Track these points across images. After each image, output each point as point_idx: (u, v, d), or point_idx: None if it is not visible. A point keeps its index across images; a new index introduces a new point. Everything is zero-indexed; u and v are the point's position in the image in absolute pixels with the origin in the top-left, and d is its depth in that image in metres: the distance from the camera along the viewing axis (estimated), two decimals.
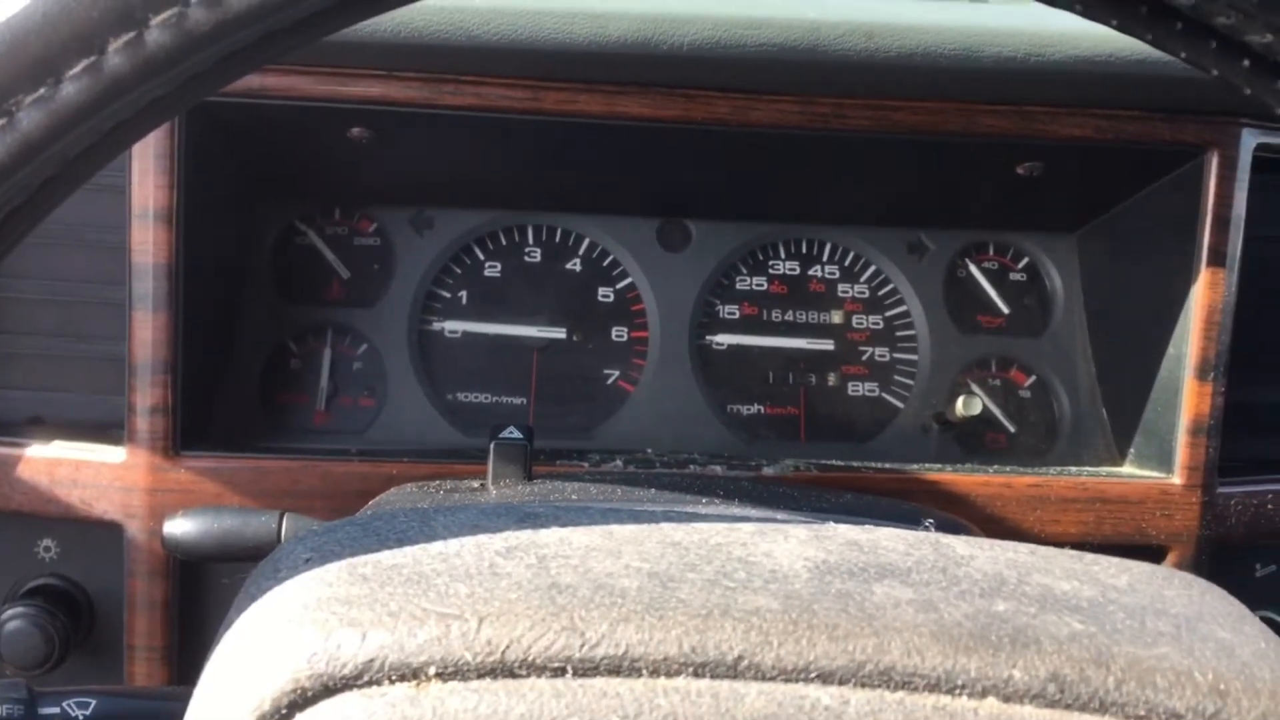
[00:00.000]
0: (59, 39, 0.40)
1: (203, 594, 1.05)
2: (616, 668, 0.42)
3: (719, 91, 1.02)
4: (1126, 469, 1.18)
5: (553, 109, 1.02)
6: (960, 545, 0.53)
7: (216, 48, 0.43)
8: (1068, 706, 0.42)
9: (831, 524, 0.54)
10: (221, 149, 1.07)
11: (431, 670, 0.42)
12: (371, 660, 0.42)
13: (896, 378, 1.25)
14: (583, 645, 0.42)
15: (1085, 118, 1.05)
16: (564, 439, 1.19)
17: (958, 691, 0.42)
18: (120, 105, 0.43)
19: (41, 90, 0.41)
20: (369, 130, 1.06)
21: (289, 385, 1.19)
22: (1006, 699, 0.42)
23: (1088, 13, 0.43)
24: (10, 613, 1.01)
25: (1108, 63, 0.97)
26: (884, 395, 1.25)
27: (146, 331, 1.00)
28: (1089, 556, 0.54)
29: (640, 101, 1.02)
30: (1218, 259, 1.08)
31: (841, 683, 0.42)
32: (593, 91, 1.01)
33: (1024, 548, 0.54)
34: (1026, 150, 1.09)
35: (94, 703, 0.68)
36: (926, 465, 1.14)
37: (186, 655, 1.04)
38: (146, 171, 0.99)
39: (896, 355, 1.26)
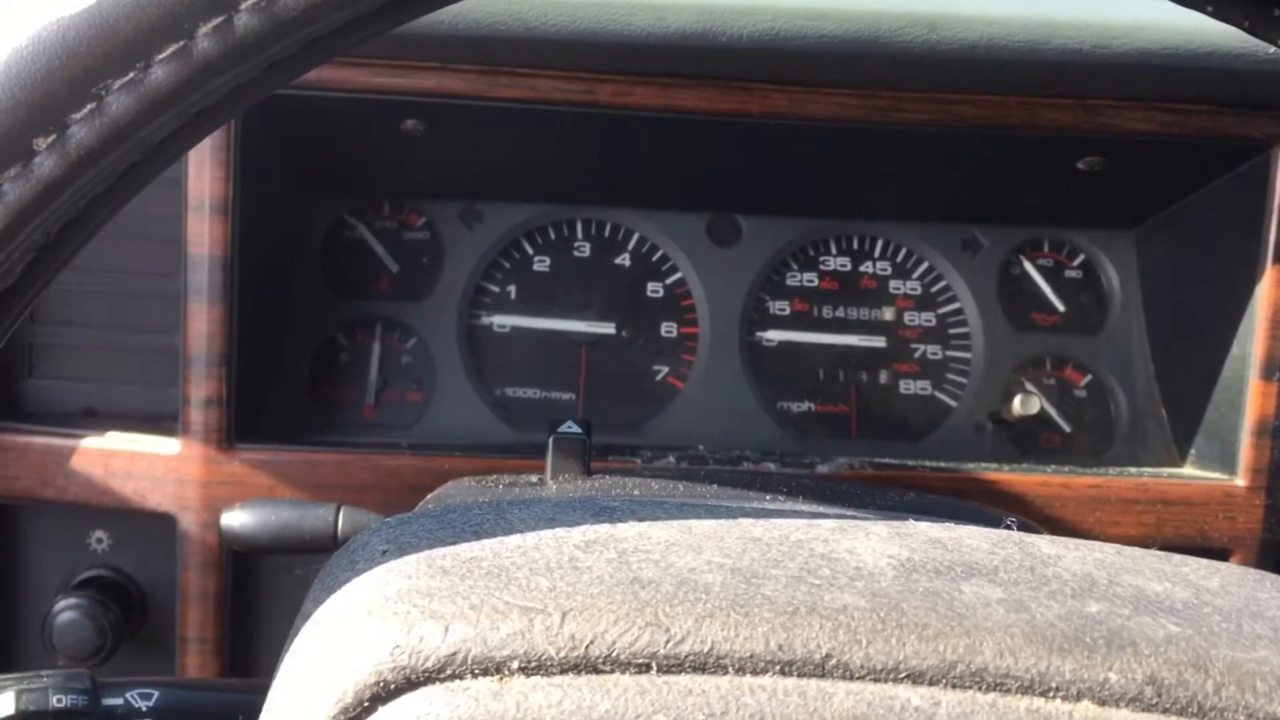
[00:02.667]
0: (149, 22, 0.39)
1: (255, 586, 1.05)
2: (702, 665, 0.41)
3: (776, 84, 1.01)
4: (1188, 470, 1.16)
5: (607, 101, 1.01)
6: (1045, 544, 0.52)
7: (302, 34, 0.42)
8: (1165, 710, 0.41)
9: (911, 521, 0.53)
10: (276, 141, 1.07)
11: (515, 664, 0.41)
12: (454, 653, 0.41)
13: (949, 376, 1.24)
14: (668, 641, 0.41)
15: (1150, 111, 1.04)
16: (614, 435, 1.18)
17: (1052, 694, 0.41)
18: (207, 90, 0.42)
19: (131, 74, 0.40)
20: (423, 123, 1.05)
21: (338, 379, 1.19)
22: (1102, 702, 0.41)
23: (1218, 13, 0.42)
24: (63, 604, 1.01)
25: (1175, 55, 0.95)
26: (936, 393, 1.23)
27: (201, 323, 1.00)
28: (1176, 557, 0.53)
29: (697, 94, 1.01)
30: None
31: (932, 683, 0.41)
32: (648, 84, 1.01)
33: (1109, 547, 0.53)
34: (1088, 144, 1.07)
35: (157, 694, 0.68)
36: (982, 465, 1.12)
37: (238, 647, 1.04)
38: (203, 163, 0.99)
39: (949, 353, 1.24)
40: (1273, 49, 0.43)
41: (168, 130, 0.44)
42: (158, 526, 1.03)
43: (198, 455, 1.01)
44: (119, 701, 0.67)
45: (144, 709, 0.67)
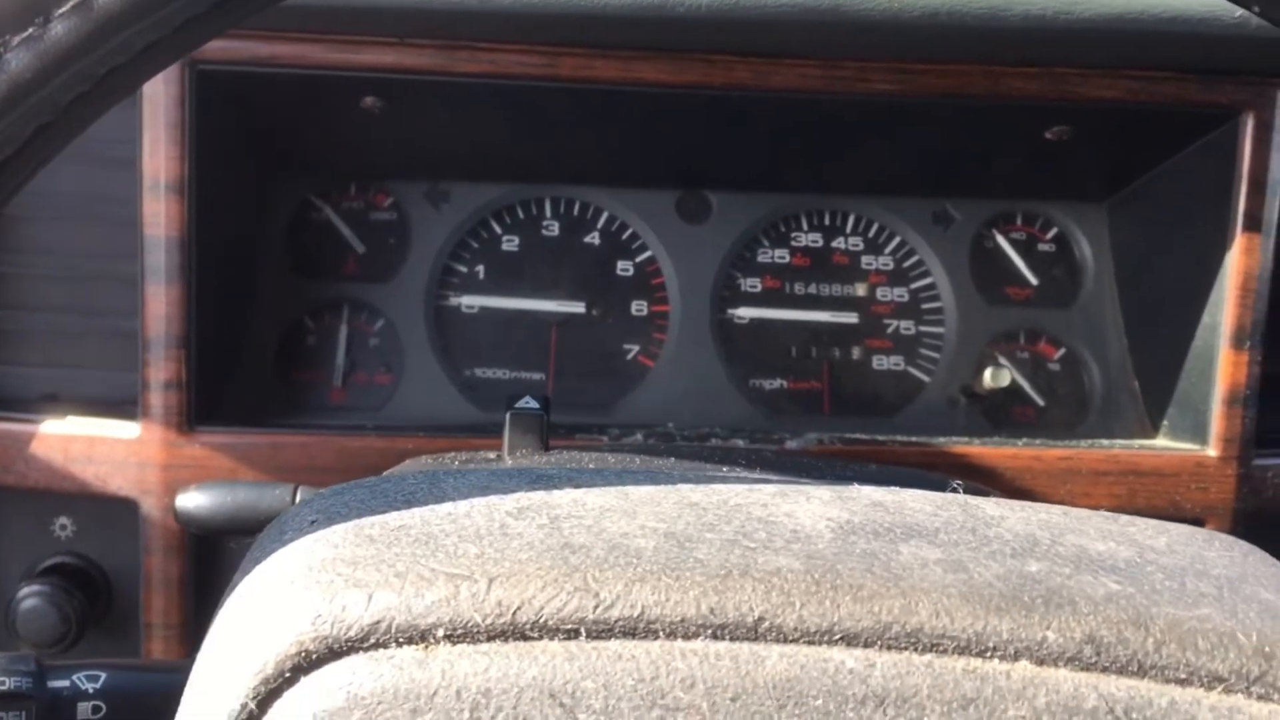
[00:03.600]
0: None
1: (219, 571, 1.04)
2: (632, 630, 0.40)
3: (738, 55, 1.00)
4: (1160, 441, 1.15)
5: (569, 75, 1.00)
6: (990, 506, 0.51)
7: None
8: (1105, 670, 0.40)
9: (855, 486, 0.52)
10: (233, 120, 1.05)
11: (440, 632, 0.40)
12: (378, 622, 0.40)
13: (922, 351, 1.23)
14: (597, 606, 0.41)
15: (1116, 79, 1.03)
16: (583, 415, 1.17)
17: (989, 654, 0.40)
18: (113, 47, 0.41)
19: (30, 30, 0.39)
20: (382, 100, 1.04)
21: (305, 361, 1.18)
22: (1040, 662, 0.40)
23: (1266, 13, 0.41)
24: (26, 591, 1.00)
25: (1139, 21, 0.94)
26: (909, 369, 1.22)
27: (159, 305, 0.99)
28: (1124, 518, 0.52)
29: (658, 66, 1.00)
30: (1253, 225, 1.05)
31: (867, 645, 0.40)
32: (609, 57, 0.99)
33: (1056, 509, 0.52)
34: (1055, 113, 1.06)
35: (104, 675, 0.67)
36: (954, 439, 1.11)
37: (203, 632, 1.02)
38: (157, 141, 0.98)
39: (922, 328, 1.23)
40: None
41: (76, 91, 0.42)
42: (121, 512, 1.02)
43: (158, 439, 0.99)
44: (65, 684, 0.66)
45: (90, 690, 0.66)
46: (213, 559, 1.04)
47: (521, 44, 0.99)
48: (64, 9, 0.39)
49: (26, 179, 0.45)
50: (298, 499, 0.83)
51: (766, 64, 1.00)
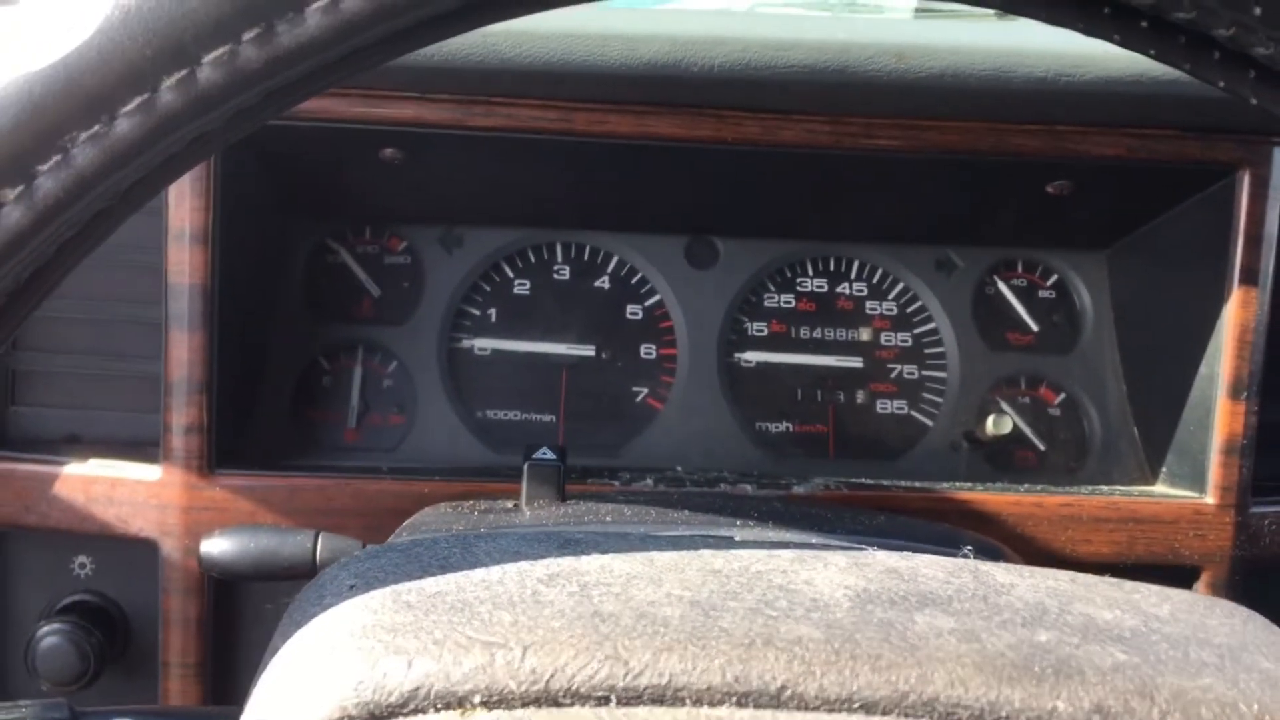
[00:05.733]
0: (114, 76, 0.40)
1: (237, 612, 1.05)
2: (660, 697, 0.42)
3: (749, 112, 1.02)
4: (1159, 488, 1.17)
5: (583, 130, 1.02)
6: (1000, 573, 0.53)
7: (265, 85, 0.43)
8: None
9: (870, 550, 0.54)
10: (255, 171, 1.08)
11: (476, 699, 0.42)
12: (417, 689, 0.42)
13: (925, 395, 1.25)
14: (626, 674, 0.42)
15: (1116, 137, 1.05)
16: (593, 457, 1.19)
17: None
18: (172, 140, 0.44)
19: (96, 127, 0.42)
20: (400, 151, 1.06)
21: (320, 403, 1.20)
22: None
23: (1090, 31, 0.44)
24: (46, 629, 1.02)
25: (1138, 83, 0.97)
26: (913, 413, 1.25)
27: (182, 351, 1.01)
28: (1129, 585, 0.54)
29: (671, 122, 1.02)
30: (1250, 278, 1.08)
31: (885, 713, 0.42)
32: (623, 112, 1.02)
33: (1064, 575, 0.54)
34: (1057, 169, 1.09)
35: None
36: (956, 484, 1.13)
37: (220, 673, 1.04)
38: (183, 194, 1.00)
39: (925, 373, 1.25)
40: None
41: (135, 177, 0.45)
42: (141, 551, 1.04)
43: (179, 481, 1.01)
44: None
45: None
46: (230, 600, 1.06)
47: (538, 99, 1.01)
48: (129, 107, 0.41)
49: (80, 259, 0.48)
50: (319, 545, 0.85)
51: (776, 120, 1.02)
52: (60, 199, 0.41)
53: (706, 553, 0.52)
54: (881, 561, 0.52)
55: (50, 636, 1.01)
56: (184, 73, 0.41)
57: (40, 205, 0.41)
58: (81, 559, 1.08)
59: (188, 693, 1.02)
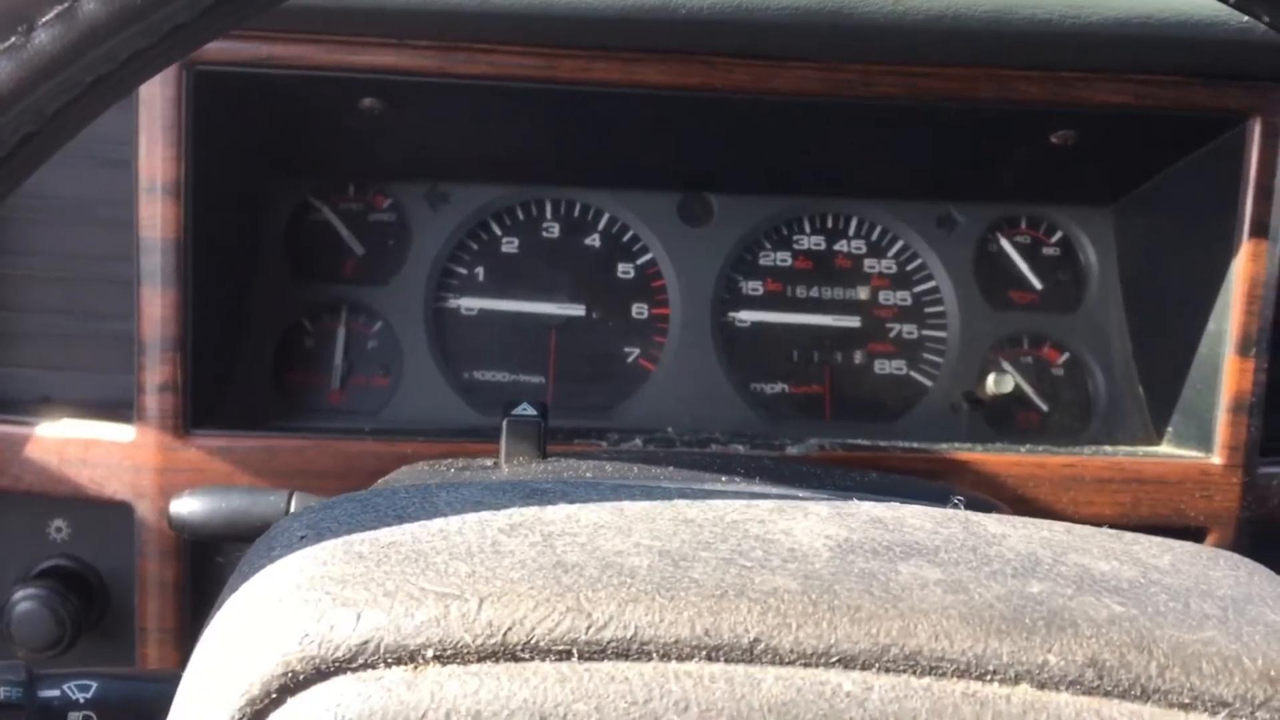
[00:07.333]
0: None
1: (214, 576, 1.03)
2: (625, 651, 0.40)
3: (740, 58, 0.99)
4: (1164, 448, 1.14)
5: (568, 77, 0.99)
6: (991, 523, 0.50)
7: None
8: (1107, 694, 0.40)
9: (854, 501, 0.51)
10: (231, 121, 1.05)
11: (429, 653, 0.39)
12: (366, 642, 0.39)
13: (925, 355, 1.22)
14: (589, 627, 0.40)
15: (1122, 83, 1.02)
16: (583, 418, 1.16)
17: (988, 677, 0.40)
18: (98, 56, 0.40)
19: (12, 39, 0.39)
20: (381, 101, 1.03)
21: (303, 364, 1.17)
22: (1041, 685, 0.40)
23: (1276, 24, 0.40)
24: (21, 594, 0.99)
25: (1146, 25, 0.93)
26: (912, 373, 1.22)
27: (155, 308, 0.98)
28: (1128, 535, 0.51)
29: (659, 68, 0.99)
30: (1260, 230, 1.04)
31: (864, 667, 0.40)
32: (609, 59, 0.98)
33: (1059, 526, 0.51)
34: (1061, 118, 1.05)
35: (95, 685, 0.66)
36: (956, 445, 1.10)
37: (197, 637, 1.02)
38: (154, 143, 0.97)
39: (925, 332, 1.22)
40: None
41: (62, 99, 0.42)
42: (117, 515, 1.02)
43: (153, 442, 0.99)
44: (55, 693, 0.65)
45: (81, 700, 0.65)
46: (208, 564, 1.03)
47: (520, 45, 0.98)
48: (47, 17, 0.38)
49: (13, 187, 0.45)
50: (292, 506, 0.82)
51: (768, 67, 0.99)
52: (58, 55, 0.38)
53: (681, 502, 0.49)
54: (866, 511, 0.50)
55: (25, 602, 0.99)
56: None
57: (35, 60, 0.38)
58: (58, 523, 1.05)
59: (165, 658, 1.00)
